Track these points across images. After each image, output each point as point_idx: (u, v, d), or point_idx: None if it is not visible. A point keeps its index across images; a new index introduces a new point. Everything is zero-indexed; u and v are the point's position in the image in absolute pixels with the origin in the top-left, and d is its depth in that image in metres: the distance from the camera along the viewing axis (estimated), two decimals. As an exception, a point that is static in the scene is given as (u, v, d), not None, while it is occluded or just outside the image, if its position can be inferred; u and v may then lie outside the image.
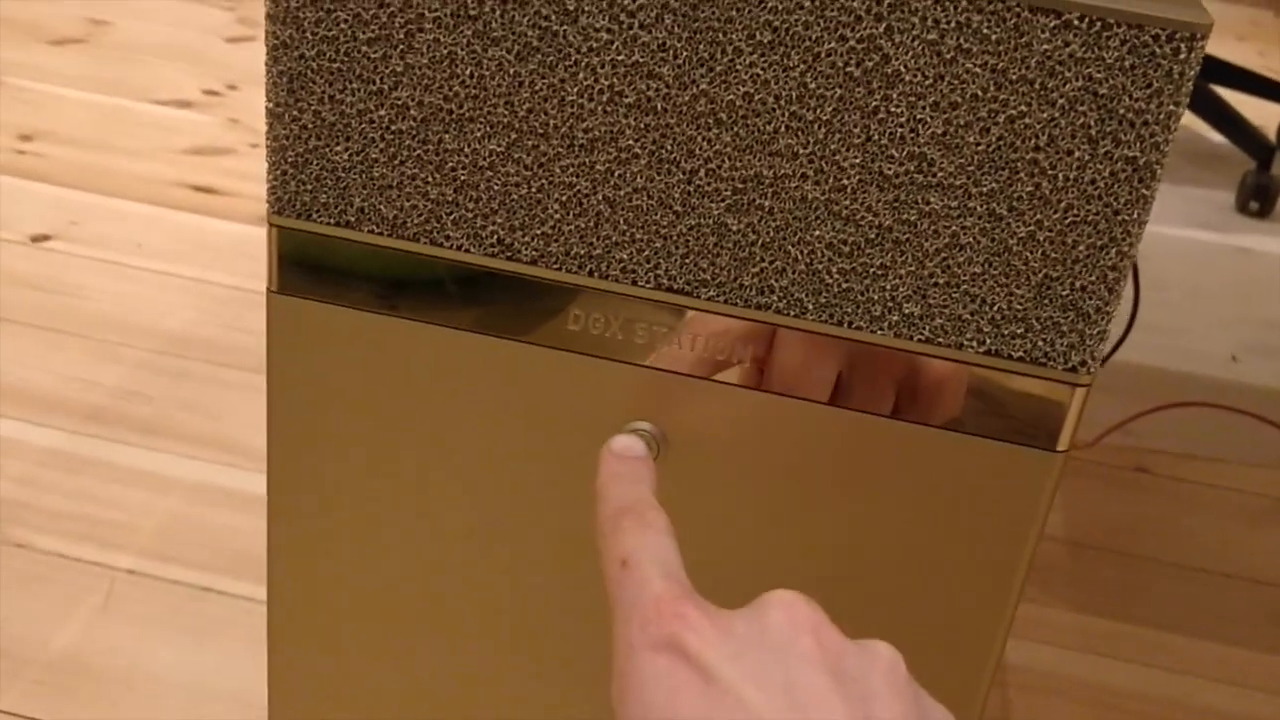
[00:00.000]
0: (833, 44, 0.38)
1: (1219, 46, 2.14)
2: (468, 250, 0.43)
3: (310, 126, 0.41)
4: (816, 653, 0.32)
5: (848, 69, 0.39)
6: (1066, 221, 0.40)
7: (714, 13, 0.38)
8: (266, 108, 0.41)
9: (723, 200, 0.41)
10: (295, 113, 0.41)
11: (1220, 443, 1.11)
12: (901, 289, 0.41)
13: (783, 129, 0.40)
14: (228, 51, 1.67)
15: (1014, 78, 0.38)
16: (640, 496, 0.38)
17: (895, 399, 0.43)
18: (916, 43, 0.38)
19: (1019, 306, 0.41)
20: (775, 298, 0.42)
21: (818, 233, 0.41)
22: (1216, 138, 1.72)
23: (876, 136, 0.39)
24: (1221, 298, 1.37)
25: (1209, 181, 1.66)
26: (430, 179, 0.42)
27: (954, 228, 0.40)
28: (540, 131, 0.41)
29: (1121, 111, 0.38)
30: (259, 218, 1.29)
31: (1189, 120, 1.74)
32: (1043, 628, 0.90)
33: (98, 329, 1.09)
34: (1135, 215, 0.39)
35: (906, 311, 0.41)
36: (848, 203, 0.40)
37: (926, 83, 0.38)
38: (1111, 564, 0.97)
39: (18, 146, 1.37)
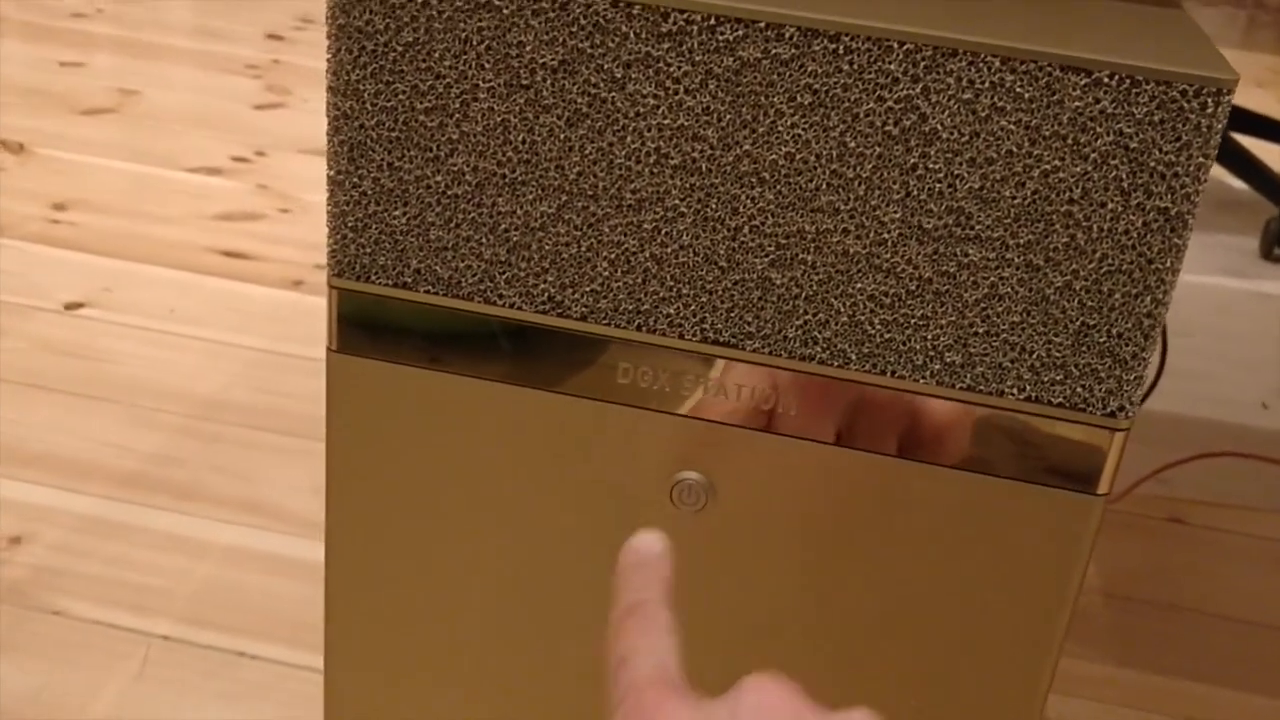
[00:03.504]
0: (871, 104, 0.40)
1: (1239, 94, 2.16)
2: (520, 308, 0.44)
3: (370, 193, 0.43)
4: None
5: (886, 128, 0.40)
6: (1102, 271, 0.41)
7: (756, 77, 0.40)
8: (328, 175, 0.43)
9: (766, 256, 0.42)
10: (355, 180, 0.43)
11: (1255, 491, 1.11)
12: (943, 339, 0.42)
13: (824, 186, 0.41)
14: (256, 118, 1.70)
15: (1047, 134, 0.39)
16: (648, 597, 0.40)
17: (899, 444, 0.44)
18: (953, 102, 0.39)
19: (1058, 354, 0.42)
20: (819, 349, 0.43)
21: (860, 285, 0.42)
22: (1238, 184, 1.73)
23: (915, 192, 0.41)
24: (1249, 344, 1.38)
25: (1232, 228, 1.67)
26: (484, 240, 0.43)
27: (993, 278, 0.41)
28: (590, 193, 0.42)
29: (1152, 164, 0.39)
30: (289, 281, 1.31)
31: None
32: (1083, 682, 0.90)
33: (131, 394, 1.10)
34: (1169, 264, 0.40)
35: (948, 360, 0.43)
36: (888, 256, 0.42)
37: (963, 140, 0.40)
38: (1150, 616, 0.97)
39: (51, 216, 1.40)
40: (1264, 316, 1.44)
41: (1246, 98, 2.09)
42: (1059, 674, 0.88)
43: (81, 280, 1.27)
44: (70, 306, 1.23)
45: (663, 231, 0.42)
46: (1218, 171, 1.74)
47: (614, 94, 0.41)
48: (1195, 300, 1.45)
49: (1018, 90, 0.39)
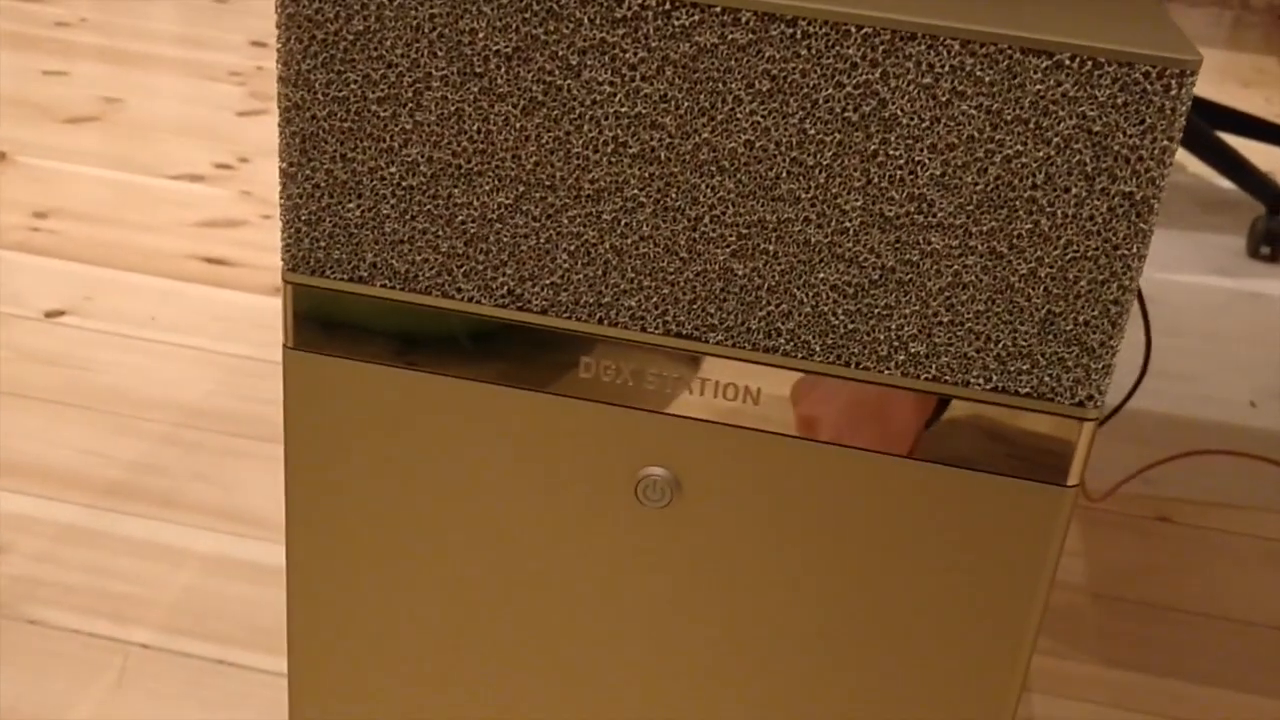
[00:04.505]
0: (830, 90, 0.39)
1: (1225, 93, 2.16)
2: (479, 302, 0.43)
3: (323, 185, 0.42)
4: None
5: (846, 114, 0.39)
6: (1067, 257, 0.40)
7: (713, 63, 0.39)
8: (280, 168, 0.42)
9: (728, 246, 0.41)
10: (308, 172, 0.42)
11: (1242, 489, 1.11)
12: (907, 328, 0.42)
13: (784, 174, 0.40)
14: (239, 126, 1.70)
15: (1009, 118, 0.39)
16: None
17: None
18: (912, 87, 0.39)
19: (1024, 343, 0.41)
20: (782, 340, 0.42)
21: (822, 275, 0.41)
22: (1225, 184, 1.73)
23: (876, 179, 0.40)
24: (1237, 343, 1.37)
25: (1219, 227, 1.67)
26: (441, 233, 0.42)
27: (956, 266, 0.41)
28: (547, 183, 0.41)
29: (1116, 148, 0.39)
30: (271, 288, 1.31)
31: (1198, 167, 1.75)
32: (1068, 682, 0.89)
33: (113, 402, 1.10)
34: (1135, 249, 0.40)
35: (912, 351, 0.42)
36: (850, 245, 0.41)
37: (923, 125, 0.39)
38: (1136, 615, 0.96)
39: (32, 224, 1.39)
40: (1251, 315, 1.44)
41: (1232, 97, 2.09)
42: (1046, 674, 0.88)
43: (62, 288, 1.26)
44: (51, 314, 1.22)
45: (622, 222, 0.42)
46: (1205, 171, 1.74)
47: (569, 81, 0.40)
48: (1183, 299, 1.45)
49: (978, 74, 0.38)
